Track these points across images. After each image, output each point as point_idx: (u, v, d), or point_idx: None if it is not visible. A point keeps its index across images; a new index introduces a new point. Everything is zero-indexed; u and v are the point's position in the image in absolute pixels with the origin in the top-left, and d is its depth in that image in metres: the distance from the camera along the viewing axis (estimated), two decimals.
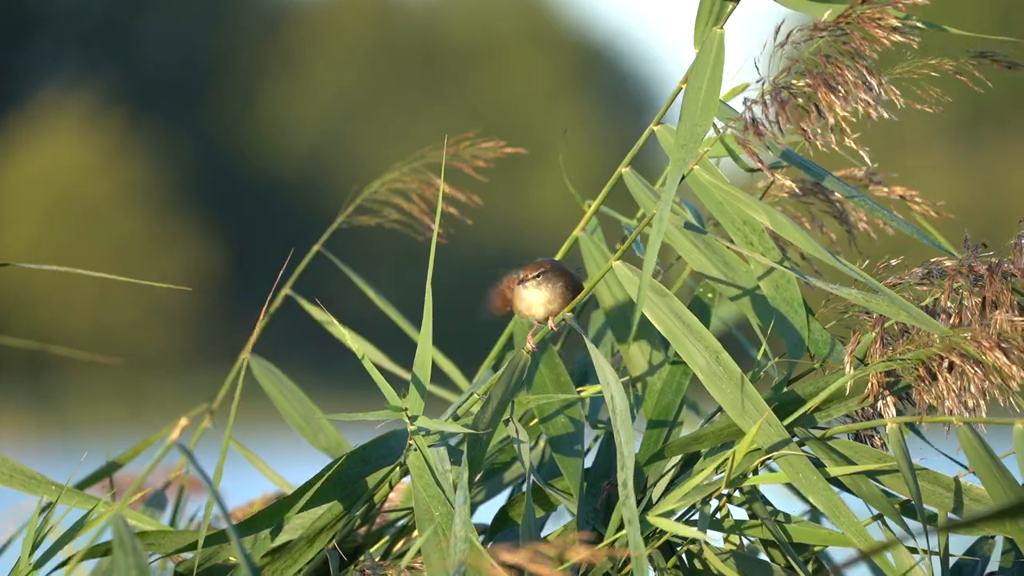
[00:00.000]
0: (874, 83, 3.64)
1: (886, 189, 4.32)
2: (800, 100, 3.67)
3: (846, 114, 3.66)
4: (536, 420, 4.07)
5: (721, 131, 3.74)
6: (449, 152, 4.62)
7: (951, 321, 3.76)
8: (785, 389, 3.84)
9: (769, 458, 3.77)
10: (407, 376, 4.14)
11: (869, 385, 3.81)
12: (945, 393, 3.73)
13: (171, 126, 24.42)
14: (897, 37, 3.65)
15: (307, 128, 24.94)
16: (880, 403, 3.79)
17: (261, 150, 24.74)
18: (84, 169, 23.90)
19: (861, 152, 3.70)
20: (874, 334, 3.80)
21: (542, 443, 4.24)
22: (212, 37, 25.16)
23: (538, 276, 3.92)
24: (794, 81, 3.66)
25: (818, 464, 3.81)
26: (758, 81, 3.69)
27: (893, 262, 3.85)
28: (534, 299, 3.92)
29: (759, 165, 3.69)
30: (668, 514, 3.82)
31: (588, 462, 3.99)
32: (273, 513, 3.82)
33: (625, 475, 3.58)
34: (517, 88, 25.21)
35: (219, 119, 24.83)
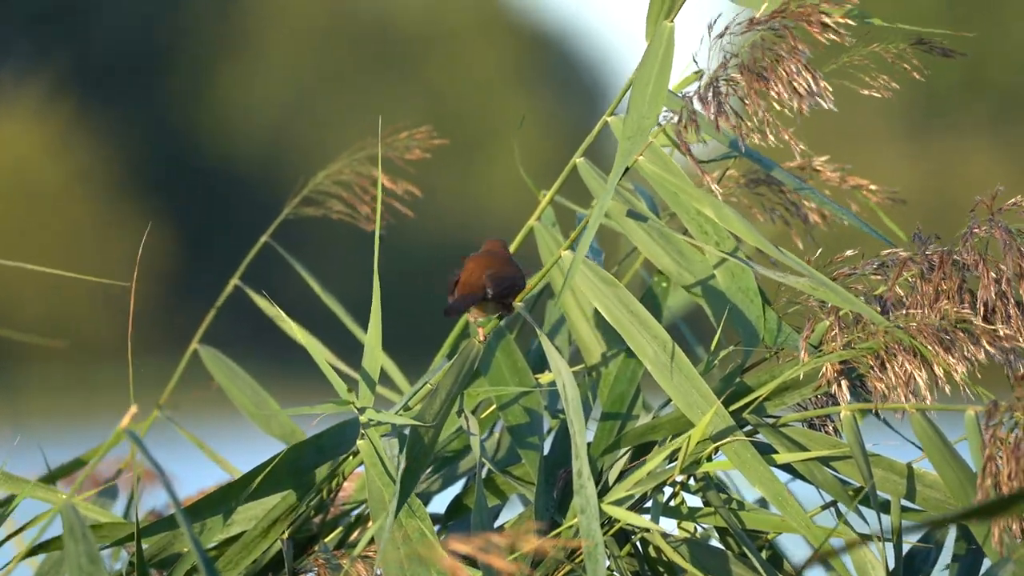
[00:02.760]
0: (808, 78, 3.66)
1: (838, 178, 4.33)
2: (736, 94, 3.68)
3: (778, 109, 3.68)
4: (493, 408, 4.07)
5: (663, 124, 3.75)
6: (385, 143, 4.61)
7: (903, 312, 3.78)
8: (738, 379, 3.85)
9: (720, 446, 3.78)
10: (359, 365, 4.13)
11: (823, 372, 3.82)
12: (895, 382, 3.75)
13: (123, 112, 24.31)
14: (831, 35, 3.67)
15: (261, 113, 24.87)
16: (834, 389, 3.81)
17: (214, 136, 24.65)
18: (34, 155, 23.77)
19: (794, 147, 3.72)
20: (828, 322, 3.82)
21: (498, 432, 4.23)
22: (163, 21, 25.05)
23: (463, 299, 3.85)
24: (732, 75, 3.67)
25: (771, 451, 3.82)
26: (696, 72, 3.70)
27: (848, 252, 3.86)
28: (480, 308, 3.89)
29: (689, 158, 3.71)
30: (621, 502, 3.82)
31: (546, 450, 3.99)
32: (222, 497, 3.81)
33: (579, 464, 3.59)
34: (472, 74, 25.20)
35: (171, 104, 24.73)
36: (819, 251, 3.85)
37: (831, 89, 3.69)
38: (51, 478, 4.29)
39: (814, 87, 3.66)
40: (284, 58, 25.16)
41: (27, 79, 24.04)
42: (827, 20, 3.65)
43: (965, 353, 3.73)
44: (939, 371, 3.73)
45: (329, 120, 24.66)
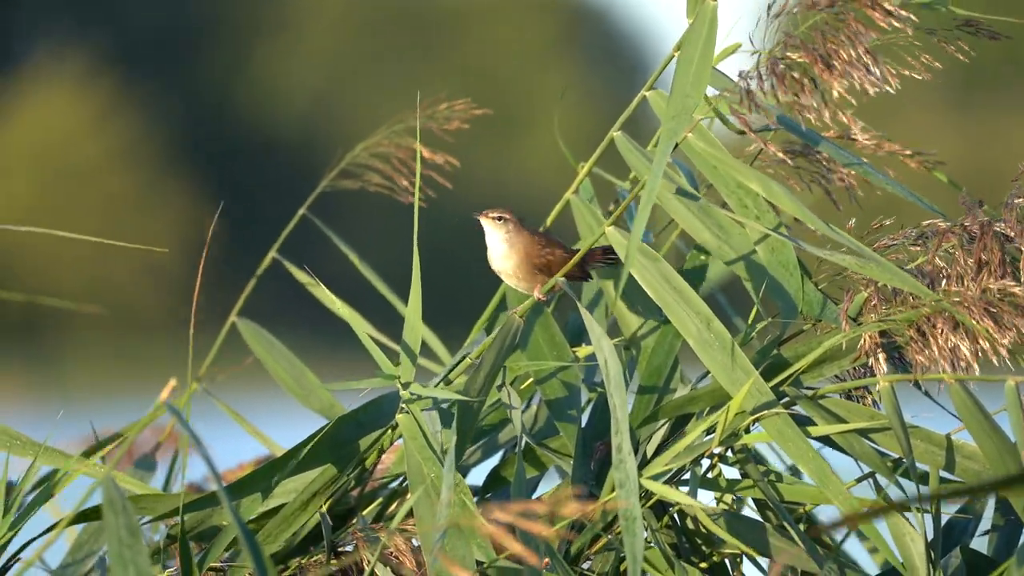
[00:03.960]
0: (870, 62, 3.65)
1: (874, 145, 4.31)
2: (796, 74, 3.68)
3: (842, 91, 3.68)
4: (531, 381, 4.07)
5: (714, 100, 3.75)
6: (425, 115, 4.59)
7: (943, 284, 3.76)
8: (776, 350, 3.85)
9: (757, 419, 3.77)
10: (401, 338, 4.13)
11: (861, 344, 3.81)
12: (937, 354, 3.74)
13: (162, 87, 24.36)
14: (893, 22, 3.66)
15: (300, 89, 24.88)
16: (872, 361, 3.80)
17: (253, 111, 24.69)
18: (75, 131, 23.85)
19: (853, 126, 3.71)
20: (867, 293, 3.81)
21: (536, 405, 4.24)
22: None
23: (499, 218, 3.91)
24: (790, 54, 3.66)
25: (809, 423, 3.81)
26: (752, 53, 3.69)
27: (886, 222, 3.85)
28: (492, 247, 3.91)
29: (750, 133, 3.70)
30: (659, 476, 3.82)
31: (583, 423, 3.99)
32: (264, 475, 3.82)
33: (620, 439, 3.58)
34: (511, 49, 25.15)
35: (211, 80, 24.77)
36: (851, 221, 3.83)
37: (894, 72, 3.69)
38: (91, 451, 4.32)
39: (877, 72, 3.66)
40: (323, 33, 25.17)
41: (67, 56, 24.11)
42: (888, 6, 3.64)
43: (1008, 324, 3.71)
44: (985, 343, 3.72)
45: (368, 95, 24.66)
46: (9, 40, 24.36)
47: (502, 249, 3.92)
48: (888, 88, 3.67)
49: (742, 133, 3.83)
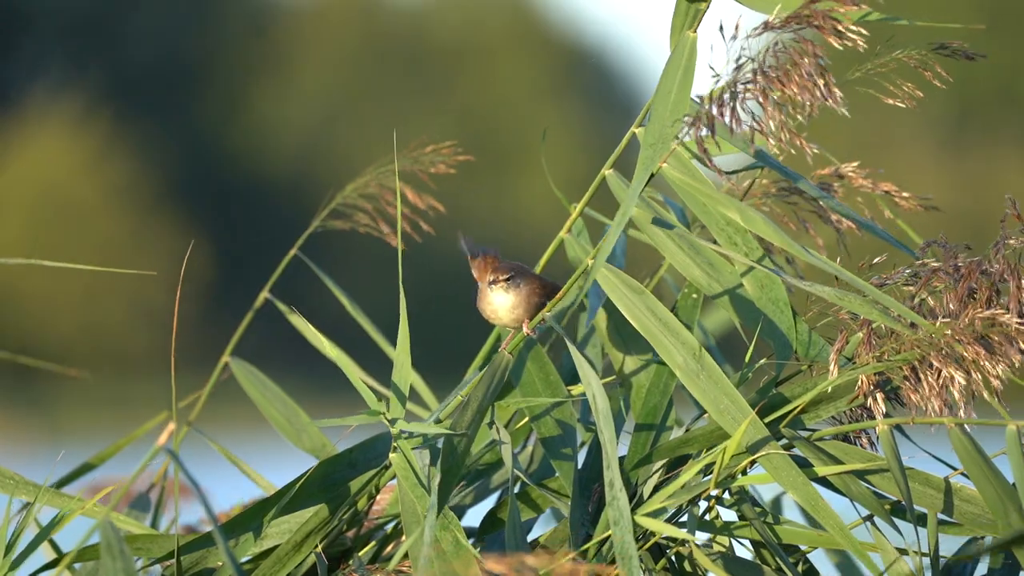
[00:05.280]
0: (820, 83, 3.64)
1: (870, 184, 4.31)
2: (755, 98, 3.67)
3: (792, 113, 3.66)
4: (526, 420, 4.06)
5: (683, 133, 3.75)
6: (409, 158, 4.60)
7: (936, 322, 3.75)
8: (773, 391, 3.83)
9: (756, 459, 3.76)
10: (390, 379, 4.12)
11: (858, 385, 3.80)
12: (929, 393, 3.72)
13: (157, 127, 24.40)
14: (845, 41, 3.65)
15: (294, 129, 24.92)
16: (870, 402, 3.78)
17: (248, 151, 24.72)
18: (70, 170, 23.87)
19: (806, 150, 3.69)
20: (862, 334, 3.79)
21: (532, 445, 4.22)
22: (198, 37, 25.14)
23: (508, 279, 3.91)
24: (751, 79, 3.66)
25: (806, 465, 3.80)
26: (713, 77, 3.69)
27: (876, 260, 3.84)
28: (499, 303, 3.91)
29: (710, 165, 3.70)
30: (655, 514, 3.80)
31: (580, 463, 3.97)
32: (256, 513, 3.80)
33: (611, 474, 3.57)
34: (505, 89, 25.20)
35: (205, 120, 24.80)
36: (838, 259, 3.81)
37: (841, 95, 3.67)
38: (66, 481, 4.30)
39: (826, 91, 3.64)
40: (318, 75, 25.22)
41: (62, 94, 24.15)
42: (839, 27, 3.63)
43: (1000, 354, 3.69)
44: (977, 376, 3.70)
45: (363, 135, 24.70)
46: (5, 79, 24.40)
47: (509, 301, 3.92)
48: (836, 106, 3.64)
49: (730, 173, 3.82)
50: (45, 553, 4.13)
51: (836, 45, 3.65)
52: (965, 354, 3.69)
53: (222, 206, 24.19)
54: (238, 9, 25.39)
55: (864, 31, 3.64)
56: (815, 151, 3.70)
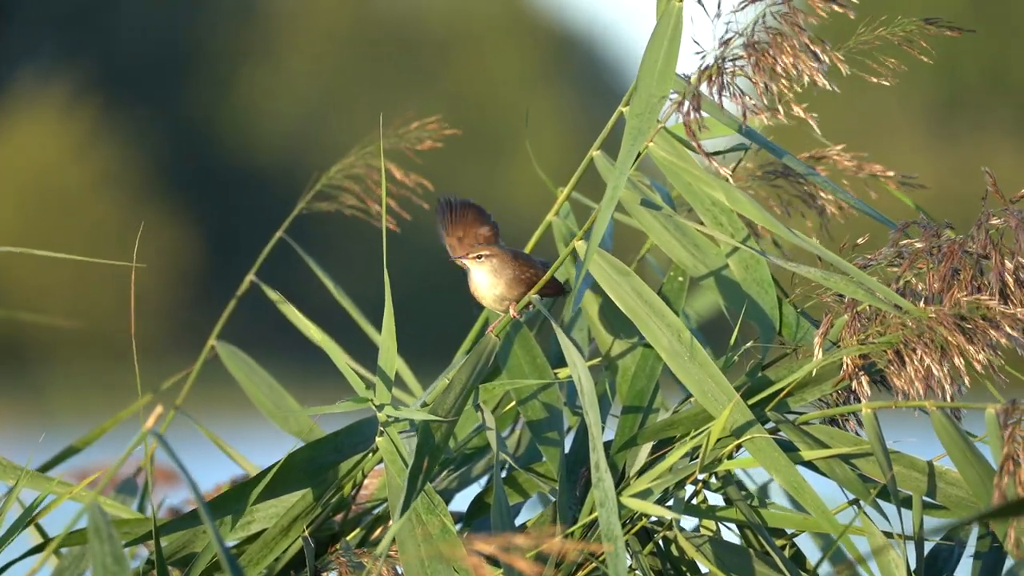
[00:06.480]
0: (817, 50, 3.63)
1: (855, 166, 4.30)
2: (744, 73, 3.66)
3: (786, 84, 3.65)
4: (513, 404, 4.05)
5: (669, 108, 3.73)
6: (396, 135, 4.57)
7: (920, 303, 3.75)
8: (759, 374, 3.83)
9: (741, 442, 3.76)
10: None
11: (843, 368, 3.80)
12: (914, 377, 3.72)
13: (146, 113, 24.35)
14: (833, 7, 3.64)
15: (283, 115, 24.88)
16: (855, 385, 3.78)
17: (237, 137, 24.68)
18: (59, 157, 23.82)
19: (810, 120, 3.69)
20: (847, 316, 3.79)
21: (519, 429, 4.22)
22: (187, 23, 25.08)
23: (480, 257, 3.91)
24: (738, 53, 3.65)
25: (792, 448, 3.80)
26: (697, 53, 3.68)
27: (859, 241, 3.83)
28: (478, 280, 3.91)
29: (695, 144, 3.69)
30: (641, 495, 3.80)
31: (567, 447, 3.97)
32: (239, 493, 3.80)
33: (597, 456, 3.57)
34: (495, 75, 25.17)
35: (195, 106, 24.76)
36: (818, 241, 3.81)
37: (841, 57, 3.66)
38: (50, 465, 4.30)
39: (827, 61, 3.63)
40: (306, 61, 25.17)
41: (51, 81, 24.09)
42: None
43: (986, 341, 3.69)
44: (959, 362, 3.70)
45: (352, 120, 24.66)
46: None
47: (488, 280, 3.92)
48: (826, 81, 3.63)
49: (714, 154, 3.81)
50: (33, 537, 4.12)
51: (822, 12, 3.64)
52: (949, 339, 3.69)
53: (212, 192, 24.16)
54: None
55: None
56: (815, 118, 3.69)
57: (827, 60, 3.65)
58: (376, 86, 24.98)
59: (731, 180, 3.75)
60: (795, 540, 3.92)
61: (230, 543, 3.90)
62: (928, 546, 3.82)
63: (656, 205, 3.82)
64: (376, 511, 4.09)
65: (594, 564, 3.81)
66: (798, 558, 3.93)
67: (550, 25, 25.78)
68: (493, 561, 3.74)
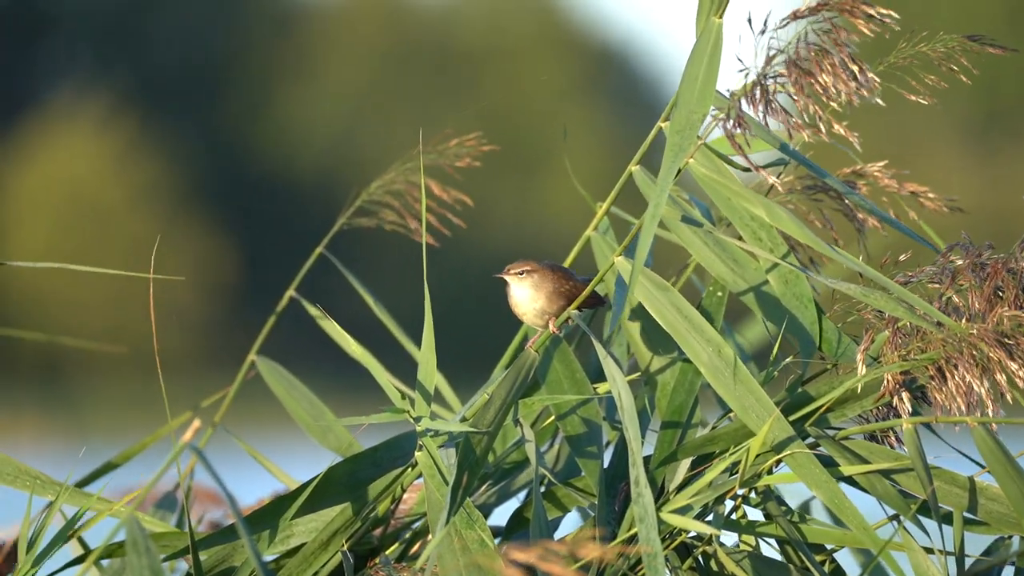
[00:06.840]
0: (855, 69, 3.63)
1: (896, 184, 4.29)
2: (785, 90, 3.66)
3: (825, 102, 3.65)
4: (552, 418, 4.06)
5: (709, 124, 3.74)
6: (435, 151, 4.59)
7: (962, 320, 3.74)
8: (799, 389, 3.83)
9: (782, 458, 3.75)
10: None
11: (884, 384, 3.79)
12: (955, 392, 3.71)
13: (183, 128, 24.45)
14: (873, 26, 3.64)
15: (320, 129, 24.95)
16: (896, 401, 3.77)
17: (274, 151, 24.75)
18: (97, 171, 23.93)
19: (851, 138, 3.69)
20: (888, 332, 3.79)
21: (558, 444, 4.22)
22: (224, 38, 25.18)
23: (521, 273, 3.93)
24: (780, 71, 3.65)
25: (832, 464, 3.79)
26: (741, 71, 3.68)
27: (901, 258, 3.83)
28: (518, 296, 3.93)
29: (746, 161, 3.69)
30: (681, 511, 3.80)
31: (606, 462, 3.97)
32: (278, 508, 3.81)
33: (636, 472, 3.56)
34: (530, 90, 25.20)
35: (232, 120, 24.85)
36: (860, 257, 3.80)
37: (878, 79, 3.66)
38: (88, 480, 4.31)
39: (861, 78, 3.63)
40: (343, 74, 25.25)
41: (89, 95, 24.21)
42: (870, 10, 3.62)
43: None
44: (1002, 379, 3.69)
45: (389, 135, 24.71)
46: (32, 80, 24.48)
47: (528, 294, 3.93)
48: (870, 95, 3.63)
49: (746, 170, 3.81)
50: (72, 550, 4.14)
51: (866, 31, 3.64)
52: (991, 355, 3.68)
53: (249, 206, 24.23)
54: (264, 10, 25.43)
55: (895, 14, 3.63)
56: (856, 137, 3.69)
57: (869, 79, 3.65)
58: (412, 101, 25.03)
59: (780, 189, 3.75)
60: (835, 555, 3.91)
61: (270, 557, 3.91)
62: (969, 561, 3.81)
63: (697, 221, 3.82)
64: (415, 525, 4.10)
65: None
66: (838, 574, 3.92)
67: (584, 40, 25.80)
68: (533, 573, 3.74)
